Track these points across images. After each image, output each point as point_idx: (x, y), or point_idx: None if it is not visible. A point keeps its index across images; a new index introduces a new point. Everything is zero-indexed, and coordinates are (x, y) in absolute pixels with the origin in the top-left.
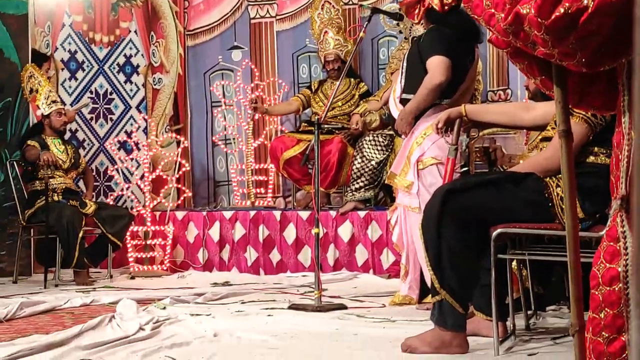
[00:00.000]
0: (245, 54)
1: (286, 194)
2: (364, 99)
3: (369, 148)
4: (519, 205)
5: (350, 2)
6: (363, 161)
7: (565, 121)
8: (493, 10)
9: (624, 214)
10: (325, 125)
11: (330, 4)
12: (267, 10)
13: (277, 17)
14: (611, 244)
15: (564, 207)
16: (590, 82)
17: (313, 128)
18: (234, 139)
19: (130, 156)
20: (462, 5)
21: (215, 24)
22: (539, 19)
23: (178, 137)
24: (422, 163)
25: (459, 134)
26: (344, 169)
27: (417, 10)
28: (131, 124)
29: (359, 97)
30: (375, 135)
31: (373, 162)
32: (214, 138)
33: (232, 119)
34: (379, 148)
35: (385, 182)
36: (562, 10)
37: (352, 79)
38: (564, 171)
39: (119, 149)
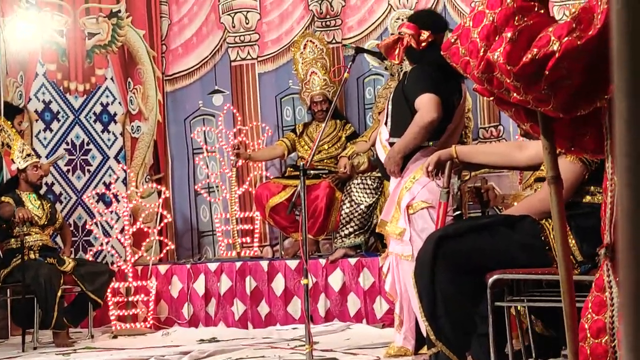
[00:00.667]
0: (227, 98)
1: (273, 243)
2: (351, 140)
3: (357, 192)
4: (515, 250)
5: (334, 41)
6: (352, 205)
7: (553, 167)
8: (468, 58)
9: (609, 263)
10: (312, 170)
11: (314, 43)
12: (248, 52)
13: (259, 59)
14: (598, 294)
15: None
16: (581, 125)
17: (299, 173)
18: (217, 186)
19: (110, 209)
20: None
21: (195, 67)
22: (507, 66)
23: (159, 187)
24: (413, 208)
25: (450, 176)
26: (333, 215)
27: (396, 51)
28: (110, 175)
29: (345, 139)
30: (363, 178)
31: (362, 206)
32: (196, 187)
33: (215, 166)
34: (368, 191)
35: (376, 230)
36: (529, 57)
37: (338, 121)
38: (555, 218)
39: (97, 201)
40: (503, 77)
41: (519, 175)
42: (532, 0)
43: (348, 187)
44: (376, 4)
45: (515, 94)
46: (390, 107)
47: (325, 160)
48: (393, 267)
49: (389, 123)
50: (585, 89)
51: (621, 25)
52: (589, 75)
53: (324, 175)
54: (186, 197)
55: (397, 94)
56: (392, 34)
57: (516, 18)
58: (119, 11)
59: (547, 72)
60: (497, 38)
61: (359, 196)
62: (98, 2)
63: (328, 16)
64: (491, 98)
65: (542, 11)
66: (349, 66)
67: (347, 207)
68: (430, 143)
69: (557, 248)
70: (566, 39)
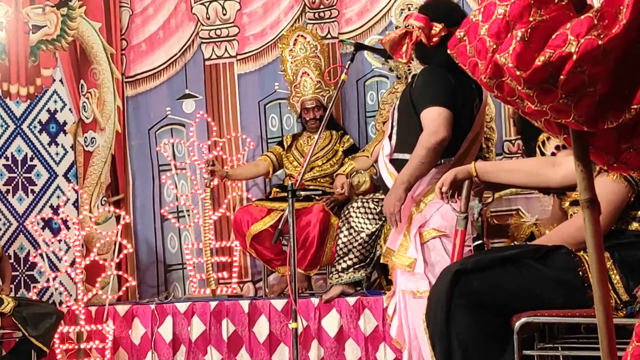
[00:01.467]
0: (200, 104)
1: (256, 279)
2: (350, 155)
3: (357, 217)
4: (547, 287)
5: (330, 36)
6: (351, 234)
7: (588, 188)
8: (476, 59)
9: None
10: (302, 191)
11: (305, 38)
12: (226, 49)
13: (238, 57)
14: (639, 344)
15: None
16: (626, 136)
17: (287, 195)
18: (188, 211)
19: (58, 237)
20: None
21: (161, 67)
22: (517, 71)
23: (117, 211)
24: (423, 237)
25: (468, 198)
26: (328, 245)
27: (403, 48)
28: (58, 197)
29: (343, 153)
30: (364, 200)
31: (363, 235)
32: (162, 211)
33: (185, 186)
34: (370, 217)
35: (381, 260)
36: (542, 59)
37: (334, 132)
38: (591, 250)
39: (43, 228)
40: (514, 83)
41: (553, 197)
42: None
43: (346, 212)
44: None
45: (529, 104)
46: (395, 116)
47: (318, 179)
48: (400, 308)
49: (393, 136)
50: (611, 97)
51: None
52: (615, 81)
53: (317, 197)
54: (150, 223)
55: (404, 101)
56: (397, 28)
57: (532, 12)
58: (70, 0)
59: (563, 78)
60: (508, 36)
61: (359, 222)
62: None
63: (322, 6)
64: (514, 107)
65: (565, 2)
66: (347, 66)
67: (344, 236)
68: (446, 160)
69: (594, 286)
70: (585, 38)
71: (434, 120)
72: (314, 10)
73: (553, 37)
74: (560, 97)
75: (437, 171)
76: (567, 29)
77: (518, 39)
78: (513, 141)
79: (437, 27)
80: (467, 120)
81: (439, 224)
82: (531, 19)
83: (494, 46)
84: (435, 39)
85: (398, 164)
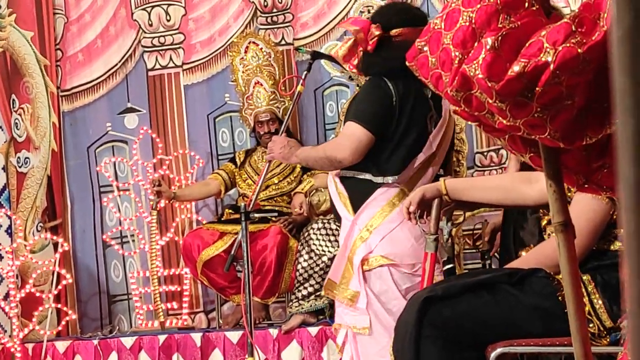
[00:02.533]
0: (143, 119)
1: (208, 309)
2: (309, 172)
3: (318, 239)
4: (524, 315)
5: (284, 42)
6: (311, 257)
7: (561, 210)
8: (440, 71)
9: None
10: (257, 214)
11: (258, 45)
12: (170, 58)
13: (185, 67)
14: None
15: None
16: (596, 156)
17: (240, 216)
18: (132, 236)
19: None
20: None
21: (101, 79)
22: (488, 82)
23: (55, 237)
24: (368, 264)
25: (438, 219)
26: (286, 270)
27: (354, 57)
28: None
29: (301, 169)
30: (325, 221)
31: (325, 258)
32: (104, 236)
33: (129, 208)
34: (332, 239)
35: (323, 293)
36: (516, 69)
37: None
38: (567, 275)
39: None
40: (484, 97)
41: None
42: None
43: (306, 234)
44: None
45: (500, 118)
46: (342, 129)
47: (275, 198)
48: (351, 340)
49: None
50: (590, 111)
51: (622, 58)
52: (594, 93)
53: (273, 219)
54: (92, 250)
55: (348, 112)
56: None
57: (501, 18)
58: None
59: (539, 90)
60: (475, 45)
61: (320, 245)
62: None
63: (275, 10)
64: (475, 123)
65: (536, 8)
66: (303, 76)
67: (304, 260)
68: (389, 179)
69: (570, 315)
70: (563, 46)
71: (347, 136)
72: (267, 15)
73: (527, 45)
74: (535, 111)
75: (380, 192)
76: (542, 37)
77: (488, 47)
78: (485, 153)
79: (374, 30)
80: (417, 135)
81: (387, 252)
82: (500, 25)
83: (460, 56)
84: (371, 43)
85: (348, 183)
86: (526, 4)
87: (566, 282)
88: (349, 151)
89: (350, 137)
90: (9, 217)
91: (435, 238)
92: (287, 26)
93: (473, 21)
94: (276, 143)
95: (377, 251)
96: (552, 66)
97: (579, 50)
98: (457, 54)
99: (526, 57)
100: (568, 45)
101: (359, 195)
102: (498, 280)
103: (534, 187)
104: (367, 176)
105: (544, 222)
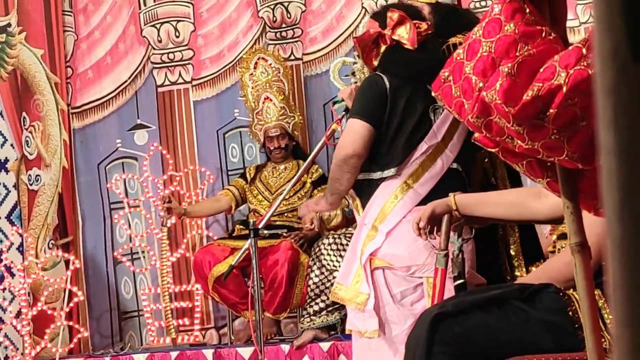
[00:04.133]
0: (153, 135)
1: (220, 325)
2: (319, 187)
3: (329, 254)
4: (534, 330)
5: (293, 57)
6: (322, 273)
7: (578, 232)
8: (462, 99)
9: None
10: (266, 230)
11: (267, 61)
12: (180, 74)
13: (194, 83)
14: None
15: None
16: None
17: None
18: (143, 252)
19: (1, 286)
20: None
21: (110, 96)
22: (505, 107)
23: (66, 255)
24: (373, 263)
25: (448, 234)
26: (298, 285)
27: (373, 53)
28: (0, 241)
29: (311, 184)
30: (336, 236)
31: (336, 274)
32: (115, 253)
33: (140, 225)
34: (343, 254)
35: (331, 298)
36: (530, 94)
37: (302, 161)
38: (583, 295)
39: None
40: (503, 122)
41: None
42: (540, 23)
43: (316, 249)
44: (346, 8)
45: (519, 142)
46: None
47: (285, 214)
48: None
49: None
50: None
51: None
52: None
53: (284, 234)
54: (102, 267)
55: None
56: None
57: (519, 47)
58: (9, 25)
59: (553, 112)
60: (495, 73)
61: (332, 260)
62: None
63: (284, 25)
64: (495, 149)
65: (552, 36)
66: (341, 116)
67: (316, 276)
68: (390, 172)
69: (586, 331)
70: (575, 68)
71: (346, 132)
72: (275, 30)
73: (541, 70)
74: (552, 133)
75: (383, 187)
76: (555, 61)
77: (505, 74)
78: None
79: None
80: (416, 125)
81: (384, 253)
82: (518, 54)
83: (481, 84)
84: (418, 39)
85: (356, 184)
86: (543, 34)
87: (583, 301)
88: (350, 145)
89: (349, 132)
90: (21, 235)
91: (446, 254)
92: (296, 41)
93: (493, 51)
94: (307, 207)
95: (382, 250)
96: (564, 88)
97: (590, 71)
98: (477, 82)
99: (540, 81)
100: (579, 67)
101: (365, 195)
102: (508, 296)
103: (544, 202)
104: (371, 175)
105: (554, 237)
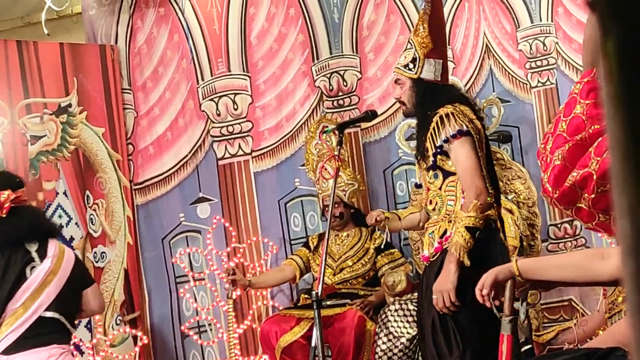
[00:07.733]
0: (216, 208)
1: None
2: (382, 253)
3: (395, 321)
4: None
5: (352, 125)
6: (390, 340)
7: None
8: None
9: None
10: (328, 301)
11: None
12: (239, 146)
13: (254, 154)
14: None
15: None
16: None
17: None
18: (210, 325)
19: None
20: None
21: (172, 171)
22: (552, 193)
23: (134, 331)
24: None
25: (512, 300)
26: (365, 353)
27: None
28: None
29: (375, 251)
30: (402, 302)
31: (403, 340)
32: (182, 327)
33: (205, 298)
34: (410, 319)
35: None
36: (570, 180)
37: (364, 228)
38: None
39: None
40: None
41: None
42: None
43: (383, 315)
44: None
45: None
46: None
47: (350, 281)
48: None
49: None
50: None
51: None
52: None
53: (349, 302)
54: (170, 341)
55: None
56: None
57: (586, 128)
58: (69, 105)
59: (589, 197)
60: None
61: (399, 327)
62: (42, 96)
63: (340, 93)
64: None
65: None
66: (337, 152)
67: (383, 343)
68: None
69: None
70: (604, 156)
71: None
72: (332, 99)
73: (585, 156)
74: (598, 218)
75: None
76: (593, 147)
77: (556, 159)
78: (559, 225)
79: None
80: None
81: None
82: (578, 137)
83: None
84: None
85: None
86: None
87: None
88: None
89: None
90: None
91: (511, 319)
92: (353, 109)
93: (565, 129)
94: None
95: None
96: (595, 175)
97: None
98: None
99: (580, 168)
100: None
101: None
102: None
103: (608, 262)
104: None
105: (620, 299)
